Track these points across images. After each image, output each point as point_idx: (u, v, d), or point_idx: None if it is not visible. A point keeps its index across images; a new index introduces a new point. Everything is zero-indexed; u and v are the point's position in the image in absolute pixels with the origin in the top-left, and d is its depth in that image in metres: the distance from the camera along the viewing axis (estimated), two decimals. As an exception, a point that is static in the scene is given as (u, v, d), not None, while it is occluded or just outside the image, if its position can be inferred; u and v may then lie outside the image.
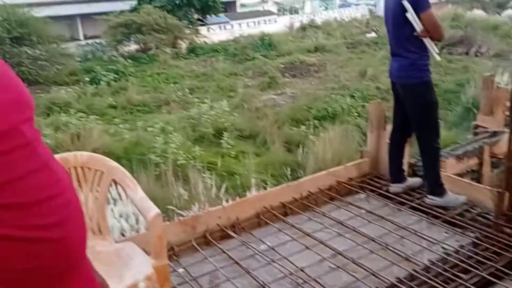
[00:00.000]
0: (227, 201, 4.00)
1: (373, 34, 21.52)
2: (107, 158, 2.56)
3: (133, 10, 21.65)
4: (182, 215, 3.64)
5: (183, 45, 20.15)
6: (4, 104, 0.85)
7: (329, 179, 4.16)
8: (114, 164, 2.51)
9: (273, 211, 3.73)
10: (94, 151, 7.55)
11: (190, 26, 22.24)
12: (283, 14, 32.64)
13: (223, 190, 4.89)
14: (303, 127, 9.66)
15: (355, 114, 10.66)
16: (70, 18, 23.91)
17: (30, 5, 17.06)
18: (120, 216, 3.86)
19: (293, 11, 34.12)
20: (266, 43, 19.32)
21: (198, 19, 24.64)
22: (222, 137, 9.08)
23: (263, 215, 3.67)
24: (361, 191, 4.14)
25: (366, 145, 4.67)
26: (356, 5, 34.22)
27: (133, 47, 19.57)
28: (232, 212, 3.55)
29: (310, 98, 12.02)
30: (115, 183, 2.51)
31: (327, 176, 4.18)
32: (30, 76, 14.49)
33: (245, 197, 3.93)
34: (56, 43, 16.70)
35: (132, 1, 23.48)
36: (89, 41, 21.78)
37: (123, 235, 3.62)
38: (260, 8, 32.88)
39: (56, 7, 22.28)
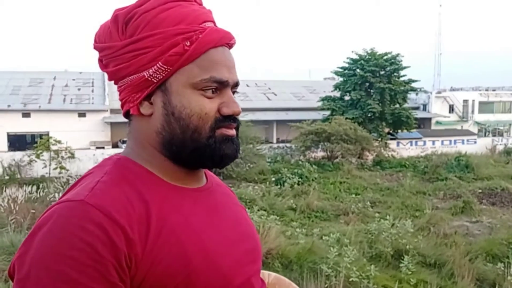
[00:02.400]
0: None
1: None
2: (294, 284, 2.32)
3: (325, 120, 22.79)
4: None
5: (370, 156, 20.03)
6: (242, 254, 0.87)
7: None
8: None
9: None
10: (269, 251, 7.65)
11: (379, 139, 22.17)
12: (485, 135, 30.28)
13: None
14: (500, 265, 8.28)
15: None
16: (267, 123, 26.32)
17: (238, 110, 19.40)
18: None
19: (497, 133, 31.38)
20: (462, 164, 17.87)
21: (389, 133, 24.52)
22: (402, 260, 8.27)
23: None
24: None
25: None
26: None
27: (319, 154, 20.25)
28: None
29: (513, 232, 10.30)
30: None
31: None
32: (226, 170, 16.01)
33: None
34: (252, 144, 18.33)
35: (326, 112, 24.82)
36: (281, 145, 23.43)
37: None
38: (458, 127, 31.19)
39: (258, 113, 24.94)
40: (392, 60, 24.82)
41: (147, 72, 0.80)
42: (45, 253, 0.69)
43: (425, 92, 31.38)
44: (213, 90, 0.82)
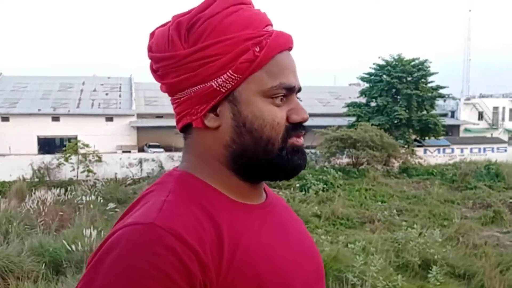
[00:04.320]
0: None
1: None
2: None
3: (351, 126, 22.60)
4: None
5: (396, 163, 19.74)
6: (310, 274, 0.84)
7: None
8: None
9: None
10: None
11: (406, 146, 21.83)
12: (516, 143, 29.44)
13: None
14: None
15: None
16: (293, 129, 26.21)
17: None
18: None
19: (528, 141, 30.48)
20: (492, 172, 17.43)
21: (416, 140, 24.13)
22: (430, 271, 8.07)
23: None
24: None
25: None
26: None
27: (345, 160, 20.06)
28: None
29: (547, 244, 9.94)
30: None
31: None
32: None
33: None
34: (277, 150, 18.30)
35: (351, 118, 24.61)
36: (306, 151, 23.26)
37: None
38: (488, 135, 30.44)
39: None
40: (420, 66, 24.46)
41: (215, 82, 0.75)
42: (116, 282, 0.65)
43: (454, 98, 30.79)
44: (282, 97, 0.78)
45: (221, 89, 0.76)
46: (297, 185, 15.44)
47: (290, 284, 0.77)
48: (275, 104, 0.77)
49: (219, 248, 0.71)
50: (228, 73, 0.75)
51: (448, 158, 22.53)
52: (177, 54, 0.76)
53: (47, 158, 19.85)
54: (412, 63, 24.41)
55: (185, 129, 0.82)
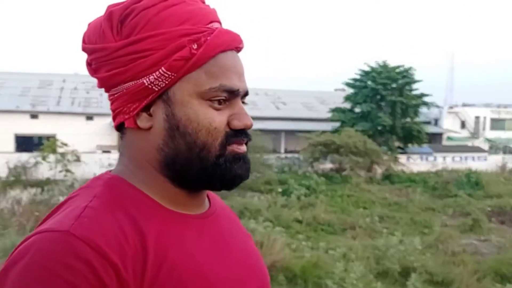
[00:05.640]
0: None
1: None
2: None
3: (335, 131, 22.62)
4: None
5: (379, 170, 19.79)
6: None
7: None
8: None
9: None
10: (273, 264, 7.49)
11: (389, 152, 21.94)
12: (495, 152, 29.88)
13: None
14: (509, 285, 8.09)
15: None
16: (276, 132, 26.21)
17: (247, 118, 19.31)
18: None
19: (507, 150, 30.95)
20: (472, 181, 17.63)
21: (399, 147, 24.30)
22: (408, 278, 8.09)
23: None
24: None
25: None
26: None
27: (328, 165, 20.04)
28: None
29: (524, 252, 10.05)
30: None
31: None
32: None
33: None
34: (259, 153, 18.20)
35: (335, 123, 24.65)
36: (289, 155, 23.27)
37: None
38: (469, 144, 30.87)
39: (267, 122, 24.82)
40: (405, 74, 24.64)
41: (147, 79, 0.69)
42: None
43: (437, 106, 31.11)
44: (222, 100, 0.72)
45: (154, 87, 0.70)
46: (279, 189, 15.36)
47: None
48: (214, 107, 0.71)
49: (142, 262, 0.64)
50: (160, 70, 0.69)
51: (431, 166, 22.69)
52: (107, 47, 0.70)
53: (24, 156, 19.35)
54: (397, 70, 24.58)
55: (121, 129, 0.75)
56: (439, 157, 25.08)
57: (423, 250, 9.83)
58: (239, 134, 0.74)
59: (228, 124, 0.73)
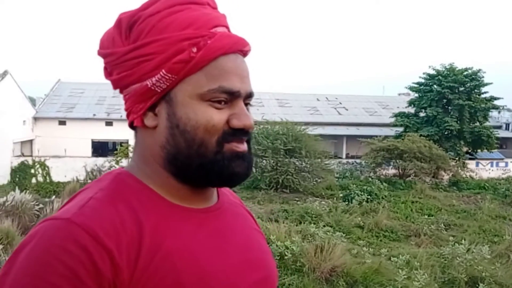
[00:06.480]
0: None
1: None
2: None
3: (398, 136, 22.10)
4: None
5: (445, 176, 19.11)
6: (250, 285, 0.79)
7: None
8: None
9: None
10: (333, 269, 7.55)
11: (456, 158, 21.10)
12: None
13: None
14: None
15: None
16: (337, 137, 26.01)
17: (307, 123, 19.41)
18: None
19: None
20: (548, 188, 16.50)
21: (467, 152, 23.26)
22: (476, 288, 7.77)
23: None
24: None
25: None
26: None
27: (390, 171, 19.64)
28: None
29: None
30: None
31: None
32: (293, 184, 16.04)
33: None
34: (320, 159, 18.21)
35: (398, 128, 24.07)
36: (350, 160, 23.03)
37: None
38: (545, 149, 28.84)
39: (328, 127, 24.75)
40: (473, 76, 23.59)
41: (150, 81, 0.74)
42: (25, 277, 0.64)
43: (509, 110, 29.40)
44: (223, 101, 0.75)
45: (156, 89, 0.74)
46: (340, 195, 15.29)
47: None
48: (214, 106, 0.74)
49: (137, 249, 0.68)
50: (161, 72, 0.73)
51: (502, 172, 21.56)
52: (117, 51, 0.76)
53: (100, 160, 20.75)
54: (465, 73, 23.59)
55: (133, 128, 0.81)
56: (511, 163, 23.72)
57: (492, 259, 9.38)
58: (238, 133, 0.76)
59: (228, 123, 0.75)
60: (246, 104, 0.79)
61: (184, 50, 0.73)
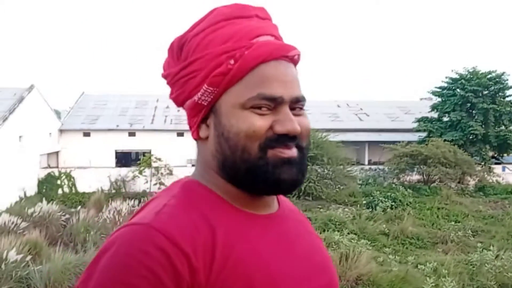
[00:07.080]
0: None
1: None
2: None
3: (421, 141, 21.79)
4: None
5: (471, 181, 18.74)
6: None
7: None
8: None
9: None
10: (359, 277, 7.47)
11: (482, 163, 20.69)
12: None
13: None
14: None
15: None
16: (359, 144, 25.77)
17: (328, 130, 19.32)
18: None
19: None
20: None
21: (493, 157, 22.78)
22: (507, 296, 7.59)
23: None
24: None
25: None
26: None
27: (415, 177, 19.36)
28: None
29: None
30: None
31: None
32: (315, 191, 15.95)
33: None
34: (342, 165, 18.09)
35: (422, 133, 23.75)
36: (373, 167, 22.78)
37: None
38: None
39: (349, 134, 24.55)
40: (497, 79, 23.16)
41: (197, 96, 0.78)
42: (107, 281, 0.67)
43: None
44: (267, 107, 0.75)
45: (203, 102, 0.78)
46: (364, 201, 15.14)
47: None
48: (257, 113, 0.75)
49: (211, 253, 0.70)
50: (204, 86, 0.77)
51: (530, 177, 21.01)
52: (171, 72, 0.82)
53: (123, 171, 21.06)
54: (489, 76, 23.18)
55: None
56: (539, 167, 23.12)
57: (522, 265, 9.18)
58: (283, 138, 0.75)
59: (272, 129, 0.75)
60: (295, 109, 0.78)
61: (222, 63, 0.76)
